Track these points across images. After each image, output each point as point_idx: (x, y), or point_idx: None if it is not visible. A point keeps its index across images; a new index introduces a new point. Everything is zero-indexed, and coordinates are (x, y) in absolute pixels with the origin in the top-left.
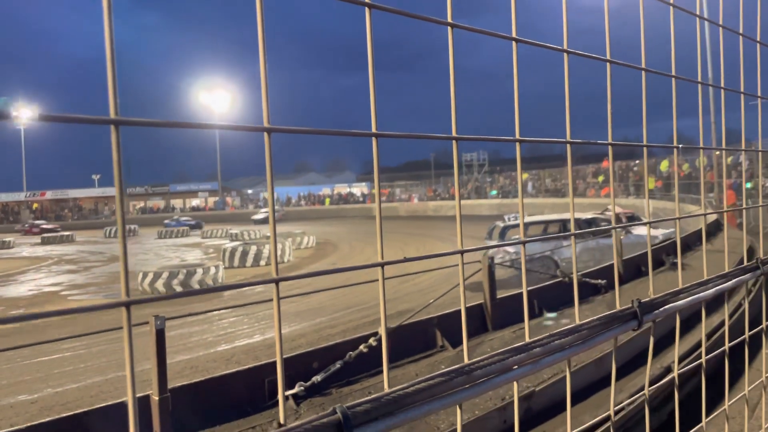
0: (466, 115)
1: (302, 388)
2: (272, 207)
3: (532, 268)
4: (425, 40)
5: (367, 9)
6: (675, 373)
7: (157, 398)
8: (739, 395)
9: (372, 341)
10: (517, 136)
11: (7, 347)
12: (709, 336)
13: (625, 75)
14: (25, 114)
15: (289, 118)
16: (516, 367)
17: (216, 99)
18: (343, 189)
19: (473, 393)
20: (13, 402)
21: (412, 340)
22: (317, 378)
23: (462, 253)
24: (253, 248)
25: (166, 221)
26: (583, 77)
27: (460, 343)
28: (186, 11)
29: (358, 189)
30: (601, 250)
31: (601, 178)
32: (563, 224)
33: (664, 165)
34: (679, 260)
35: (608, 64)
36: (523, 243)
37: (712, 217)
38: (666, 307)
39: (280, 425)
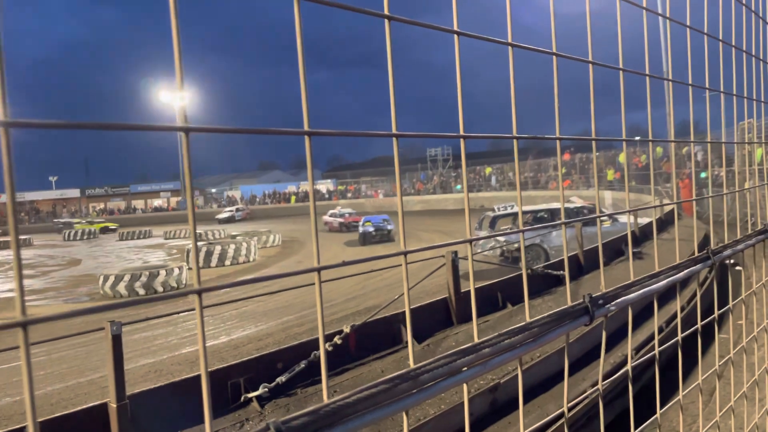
0: (417, 111)
1: (266, 389)
2: (192, 213)
3: (521, 257)
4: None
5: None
6: (629, 366)
7: (114, 405)
8: (693, 384)
9: (337, 339)
10: (461, 132)
11: None
12: (665, 326)
13: (585, 69)
14: None
15: (256, 117)
16: (465, 368)
17: (176, 98)
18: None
19: (419, 398)
20: None
21: (379, 336)
22: (281, 379)
23: (405, 254)
24: (218, 248)
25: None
26: (548, 72)
27: (426, 338)
28: (143, 6)
29: (324, 186)
30: (588, 239)
31: (563, 170)
32: (551, 213)
33: (622, 157)
34: (630, 252)
35: (554, 57)
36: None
37: (670, 207)
38: (617, 300)
39: None
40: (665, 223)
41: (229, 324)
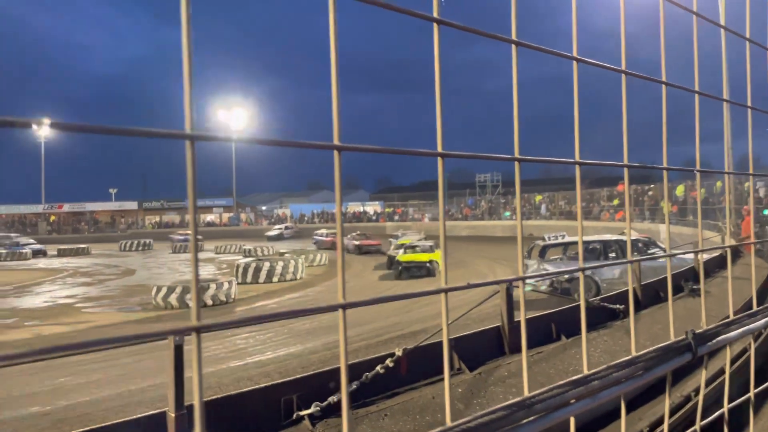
0: (470, 134)
1: (318, 408)
2: (195, 236)
3: (571, 289)
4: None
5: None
6: (725, 409)
7: (173, 415)
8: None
9: (389, 362)
10: (516, 155)
11: (21, 358)
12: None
13: (642, 99)
14: (44, 128)
15: (304, 136)
16: (573, 401)
17: (233, 116)
18: (356, 207)
19: (532, 428)
20: (26, 414)
21: (429, 361)
22: (333, 398)
23: (446, 291)
24: (267, 264)
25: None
26: (601, 96)
27: (478, 366)
28: (207, 29)
29: (372, 207)
30: (642, 272)
31: (616, 202)
32: (604, 245)
33: (679, 190)
34: (729, 287)
35: (623, 75)
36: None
37: (730, 243)
38: (719, 338)
39: None
40: (724, 259)
41: (276, 341)
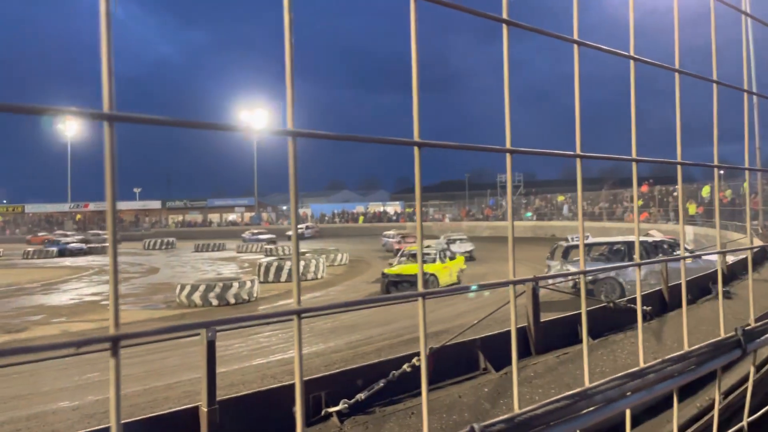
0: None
1: (346, 405)
2: (295, 228)
3: (595, 290)
4: (457, 62)
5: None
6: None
7: (206, 410)
8: None
9: (415, 361)
10: (578, 151)
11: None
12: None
13: (668, 98)
14: (71, 127)
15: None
16: (630, 393)
17: (255, 117)
18: (377, 207)
19: (592, 419)
20: (56, 408)
21: (455, 361)
22: (361, 396)
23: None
24: (288, 263)
25: None
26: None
27: (503, 365)
28: (231, 31)
29: (392, 208)
30: (669, 275)
31: (640, 203)
32: (628, 246)
33: (705, 191)
34: (750, 295)
35: (677, 74)
36: (583, 273)
37: (757, 244)
38: (766, 336)
39: None
40: (753, 262)
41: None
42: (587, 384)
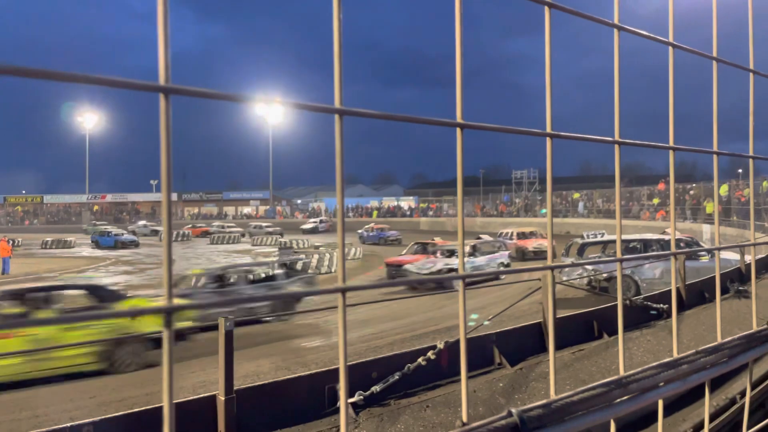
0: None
1: (361, 397)
2: (341, 214)
3: (609, 288)
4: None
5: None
6: None
7: (223, 398)
8: None
9: (431, 354)
10: (617, 137)
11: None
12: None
13: (687, 93)
14: (89, 119)
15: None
16: (662, 384)
17: (270, 111)
18: (391, 202)
19: (627, 407)
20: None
21: (470, 355)
22: (376, 388)
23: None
24: (302, 257)
25: None
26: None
27: (518, 361)
28: (250, 24)
29: (406, 203)
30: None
31: (656, 201)
32: (644, 244)
33: (723, 189)
34: None
35: (714, 62)
36: (620, 260)
37: None
38: None
39: (464, 423)
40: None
41: (311, 332)
42: (622, 372)
